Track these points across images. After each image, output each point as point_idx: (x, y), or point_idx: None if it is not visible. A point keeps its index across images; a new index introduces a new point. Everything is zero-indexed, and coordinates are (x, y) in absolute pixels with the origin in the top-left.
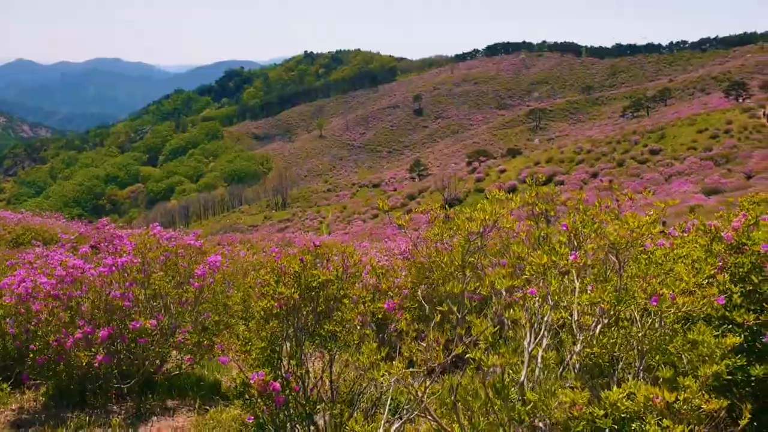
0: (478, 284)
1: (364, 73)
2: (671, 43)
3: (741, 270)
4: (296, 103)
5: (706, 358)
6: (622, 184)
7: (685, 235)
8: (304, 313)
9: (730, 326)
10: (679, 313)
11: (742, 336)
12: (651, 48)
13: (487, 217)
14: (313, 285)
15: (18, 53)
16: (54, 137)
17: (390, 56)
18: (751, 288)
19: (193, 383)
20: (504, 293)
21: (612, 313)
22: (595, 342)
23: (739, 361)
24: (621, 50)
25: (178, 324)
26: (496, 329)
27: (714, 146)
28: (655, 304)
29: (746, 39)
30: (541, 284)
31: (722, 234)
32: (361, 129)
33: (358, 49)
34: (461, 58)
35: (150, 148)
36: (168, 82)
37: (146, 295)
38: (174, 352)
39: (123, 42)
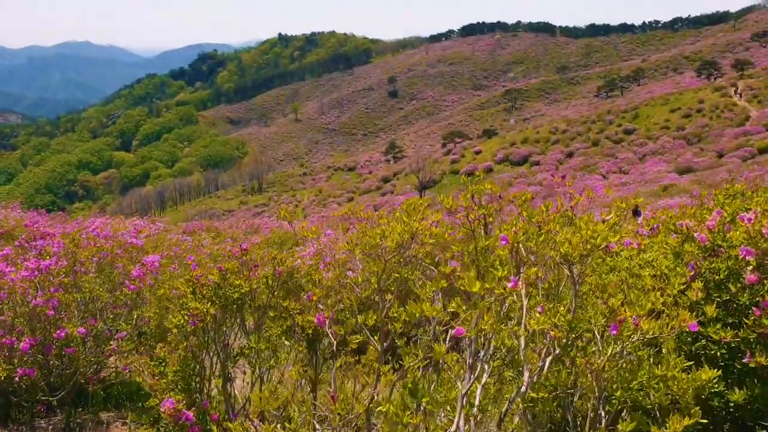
0: (401, 311)
1: (338, 56)
2: (644, 22)
3: (716, 277)
4: (271, 87)
5: (678, 398)
6: (597, 164)
7: (653, 234)
8: (225, 329)
9: (704, 342)
10: (644, 340)
11: (719, 353)
12: (625, 28)
13: (401, 234)
14: (234, 297)
15: None
16: (24, 123)
17: (364, 38)
18: (727, 298)
19: (132, 392)
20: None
21: (564, 342)
22: (543, 380)
23: (715, 386)
24: (595, 30)
25: (114, 330)
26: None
27: (687, 125)
28: (615, 332)
29: (718, 18)
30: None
31: (695, 235)
32: (337, 112)
33: (333, 31)
34: (436, 39)
35: (123, 133)
36: (139, 65)
37: (78, 300)
38: (112, 359)
39: (92, 25)
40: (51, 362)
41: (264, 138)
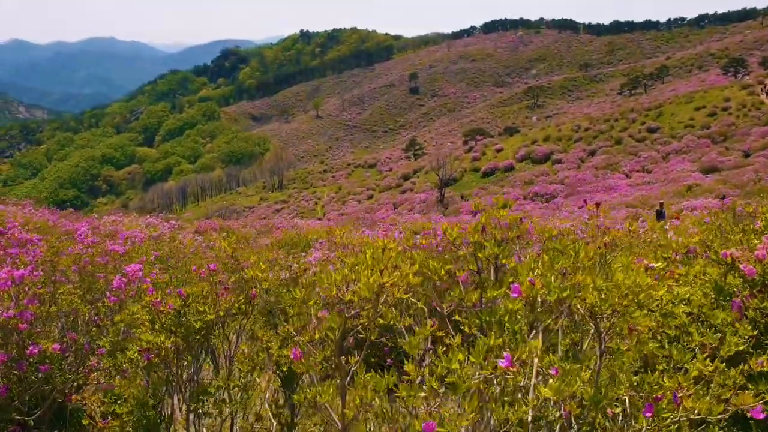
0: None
1: (360, 52)
2: (669, 19)
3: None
4: (292, 83)
5: None
6: (619, 163)
7: (689, 257)
8: (185, 363)
9: None
10: (687, 422)
11: None
12: (649, 25)
13: (364, 288)
14: (197, 327)
15: (13, 33)
16: (50, 118)
17: (386, 34)
18: None
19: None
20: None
21: (584, 419)
22: None
23: None
24: (619, 27)
25: (95, 346)
26: None
27: (712, 124)
28: (649, 415)
29: (745, 15)
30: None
31: (741, 266)
32: (358, 109)
33: (354, 28)
34: (458, 35)
35: (146, 128)
36: (163, 61)
37: (57, 312)
38: (95, 375)
39: (118, 20)
40: (27, 379)
41: (285, 134)
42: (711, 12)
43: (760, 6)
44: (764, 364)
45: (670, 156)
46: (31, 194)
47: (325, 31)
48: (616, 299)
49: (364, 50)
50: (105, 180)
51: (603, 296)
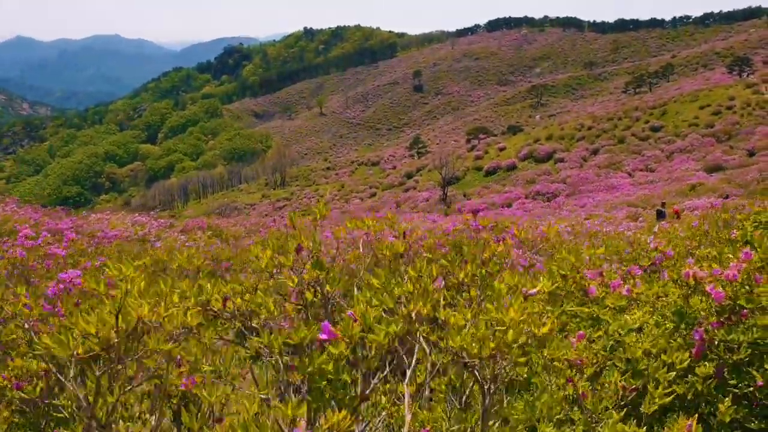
0: None
1: (364, 50)
2: (674, 18)
3: (734, 356)
4: (296, 80)
5: None
6: (622, 162)
7: (654, 270)
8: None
9: None
10: None
11: None
12: (654, 23)
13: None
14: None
15: (17, 30)
16: (53, 115)
17: (390, 32)
18: (749, 389)
19: None
20: None
21: None
22: None
23: None
24: (624, 25)
25: None
26: None
27: (716, 122)
28: None
29: (751, 13)
30: None
31: (707, 288)
32: (361, 106)
33: (358, 25)
34: (462, 33)
35: (149, 125)
36: (167, 58)
37: None
38: None
39: (121, 18)
40: None
41: (288, 132)
42: (716, 11)
43: (765, 5)
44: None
45: (674, 155)
46: (34, 191)
47: (329, 28)
48: (483, 341)
49: (368, 48)
50: (108, 177)
51: (468, 338)
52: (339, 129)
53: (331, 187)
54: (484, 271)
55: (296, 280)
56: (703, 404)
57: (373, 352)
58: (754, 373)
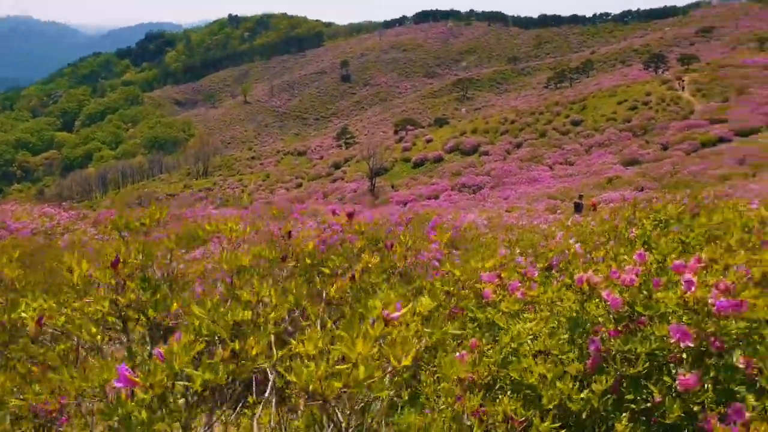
0: None
1: (290, 38)
2: (595, 14)
3: (631, 369)
4: (220, 68)
5: None
6: (543, 155)
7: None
8: None
9: None
10: None
11: None
12: (575, 19)
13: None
14: None
15: None
16: None
17: (317, 21)
18: (648, 405)
19: None
20: None
21: None
22: None
23: None
24: (546, 21)
25: None
26: None
27: (633, 117)
28: None
29: (667, 12)
30: None
31: (603, 293)
32: (287, 95)
33: (285, 13)
34: (390, 24)
35: (65, 112)
36: (85, 43)
37: None
38: None
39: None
40: None
41: (211, 120)
42: (635, 9)
43: (680, 4)
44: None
45: (592, 149)
46: None
47: (255, 15)
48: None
49: (295, 36)
50: (20, 166)
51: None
52: (264, 118)
53: (256, 177)
54: (356, 286)
55: (106, 304)
56: (599, 423)
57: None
58: (652, 387)
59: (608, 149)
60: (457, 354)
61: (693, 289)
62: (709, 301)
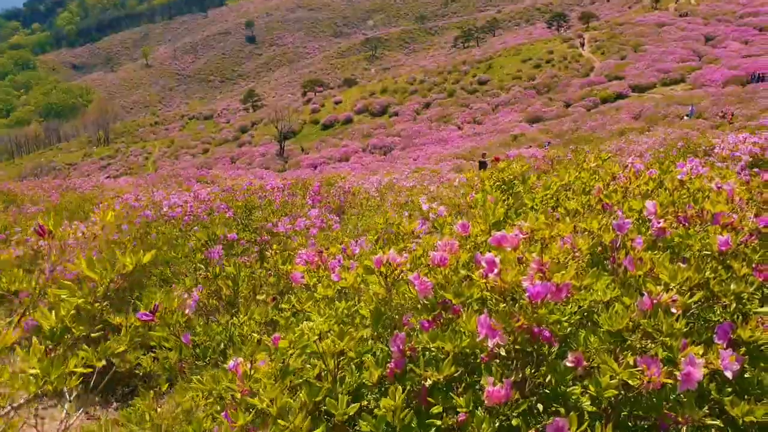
0: None
1: None
2: None
3: (438, 373)
4: (118, 29)
5: None
6: (452, 115)
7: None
8: None
9: None
10: None
11: None
12: None
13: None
14: None
15: None
16: None
17: None
18: (455, 422)
19: None
20: None
21: None
22: None
23: None
24: None
25: None
26: None
27: (537, 75)
28: None
29: None
30: None
31: (409, 277)
32: (191, 57)
33: None
34: None
35: None
36: None
37: None
38: None
39: None
40: None
41: (111, 84)
42: None
43: None
44: None
45: (499, 107)
46: None
47: None
48: None
49: None
50: None
51: None
52: (168, 81)
53: (160, 144)
54: None
55: None
56: None
57: None
58: (456, 398)
59: (514, 107)
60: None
61: (495, 271)
62: (524, 285)
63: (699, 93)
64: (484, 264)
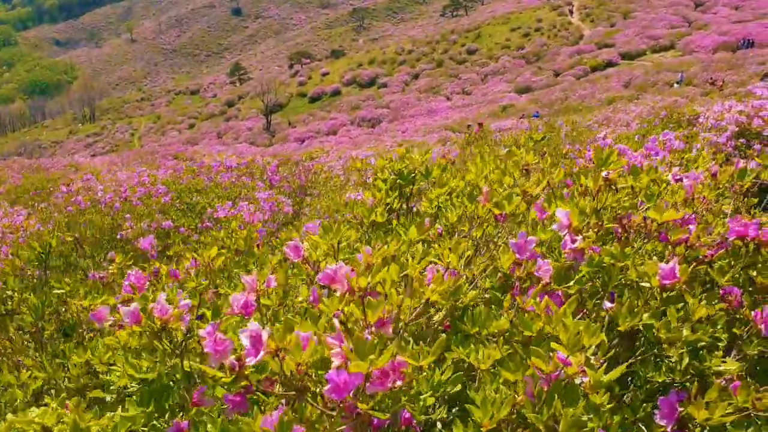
0: None
1: None
2: None
3: None
4: (101, 4)
5: None
6: (441, 86)
7: None
8: None
9: None
10: None
11: None
12: None
13: None
14: None
15: None
16: None
17: None
18: None
19: None
20: None
21: None
22: None
23: None
24: None
25: None
26: None
27: (526, 44)
28: None
29: None
30: None
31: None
32: (176, 31)
33: None
34: None
35: None
36: None
37: None
38: None
39: None
40: None
41: (96, 61)
42: None
43: None
44: None
45: (488, 77)
46: None
47: None
48: None
49: None
50: None
51: None
52: (153, 56)
53: (147, 120)
54: None
55: None
56: None
57: None
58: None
59: (503, 77)
60: None
61: (260, 355)
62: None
63: (689, 59)
64: (247, 344)
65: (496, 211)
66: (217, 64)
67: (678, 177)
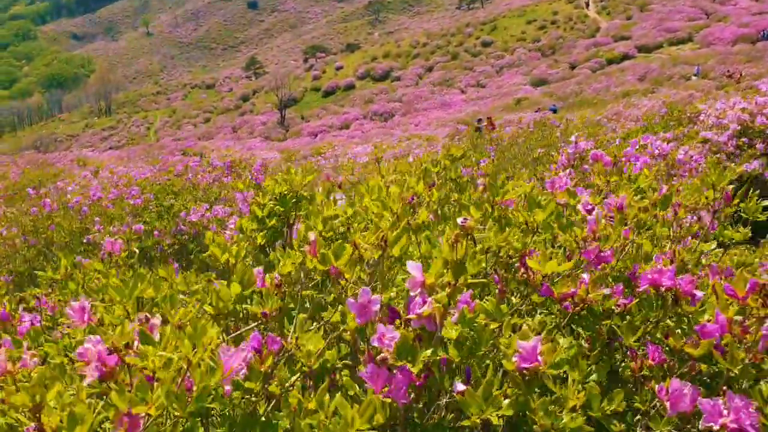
0: None
1: None
2: None
3: None
4: None
5: None
6: (455, 78)
7: None
8: None
9: None
10: None
11: None
12: None
13: None
14: None
15: None
16: None
17: None
18: None
19: None
20: None
21: None
22: None
23: None
24: None
25: None
26: None
27: (542, 37)
28: None
29: None
30: None
31: None
32: (193, 25)
33: None
34: None
35: None
36: None
37: None
38: None
39: None
40: None
41: (112, 54)
42: None
43: None
44: None
45: (503, 70)
46: None
47: None
48: None
49: None
50: None
51: None
52: (169, 50)
53: (162, 114)
54: None
55: None
56: None
57: None
58: None
59: (518, 70)
60: None
61: None
62: None
63: (706, 52)
64: None
65: (321, 267)
66: (232, 58)
67: (589, 207)
